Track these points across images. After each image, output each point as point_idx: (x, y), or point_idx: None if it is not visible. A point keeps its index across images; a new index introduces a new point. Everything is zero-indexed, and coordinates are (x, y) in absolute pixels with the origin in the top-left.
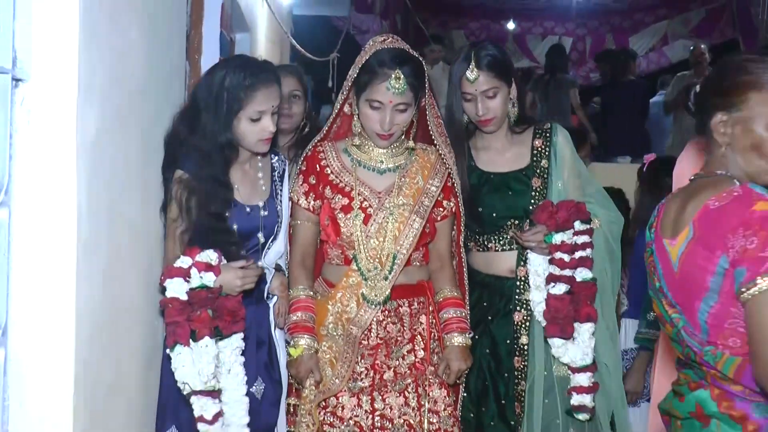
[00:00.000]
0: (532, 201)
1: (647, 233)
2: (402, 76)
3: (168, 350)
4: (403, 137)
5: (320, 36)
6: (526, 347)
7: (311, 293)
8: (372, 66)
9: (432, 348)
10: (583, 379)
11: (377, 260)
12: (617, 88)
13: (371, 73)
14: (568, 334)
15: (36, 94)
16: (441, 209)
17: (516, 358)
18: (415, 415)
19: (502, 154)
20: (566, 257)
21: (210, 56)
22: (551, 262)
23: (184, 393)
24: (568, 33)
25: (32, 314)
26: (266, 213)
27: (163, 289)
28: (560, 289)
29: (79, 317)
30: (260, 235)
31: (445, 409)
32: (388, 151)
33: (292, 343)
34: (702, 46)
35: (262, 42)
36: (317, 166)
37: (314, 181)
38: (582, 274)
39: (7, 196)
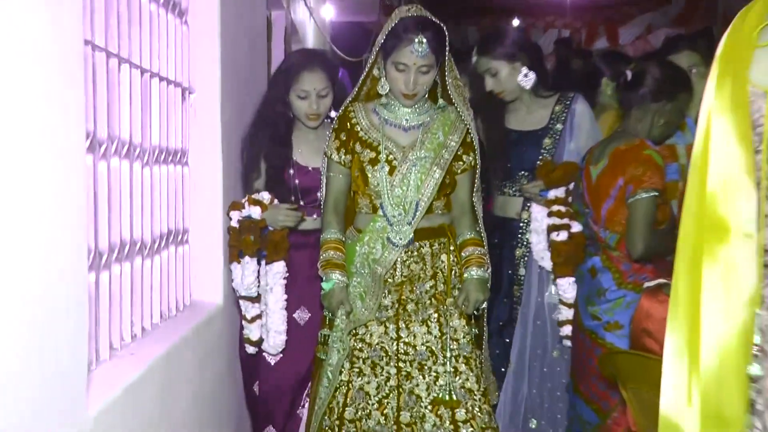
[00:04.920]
0: (540, 158)
1: (582, 163)
2: (424, 41)
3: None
4: (426, 97)
5: (354, 39)
6: (523, 278)
7: (341, 236)
8: (398, 32)
9: (453, 284)
10: (571, 314)
11: (401, 207)
12: None
13: (397, 38)
14: (573, 273)
15: (198, 100)
16: (461, 163)
17: (514, 287)
18: (437, 342)
19: (526, 116)
20: (563, 209)
21: (277, 64)
22: (550, 214)
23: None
24: (566, 26)
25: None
26: None
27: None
28: (563, 236)
29: None
30: (319, 194)
31: (464, 337)
32: (413, 110)
33: (324, 278)
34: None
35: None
36: (348, 124)
37: (345, 138)
38: (577, 226)
39: (185, 158)
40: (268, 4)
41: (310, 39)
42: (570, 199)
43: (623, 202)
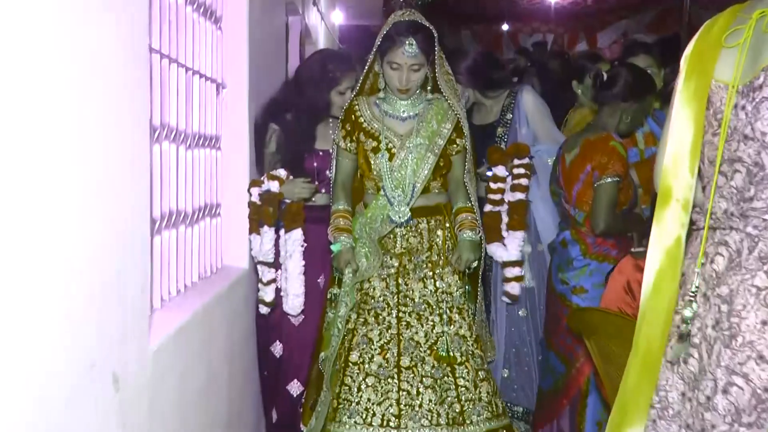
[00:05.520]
0: (495, 143)
1: (558, 151)
2: (414, 43)
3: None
4: (419, 91)
5: (360, 40)
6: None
7: (348, 207)
8: (391, 35)
9: (447, 256)
10: (514, 271)
11: (400, 189)
12: None
13: (390, 40)
14: (500, 238)
15: (229, 94)
16: (455, 146)
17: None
18: (432, 295)
19: (486, 113)
20: (493, 185)
21: (294, 64)
22: (487, 190)
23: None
24: (550, 31)
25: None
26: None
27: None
28: (488, 207)
29: None
30: (328, 172)
31: (457, 291)
32: (409, 103)
33: (333, 241)
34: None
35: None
36: (353, 116)
37: (350, 128)
38: (516, 196)
39: (218, 143)
40: (286, 11)
41: (322, 41)
42: (522, 181)
43: (590, 186)
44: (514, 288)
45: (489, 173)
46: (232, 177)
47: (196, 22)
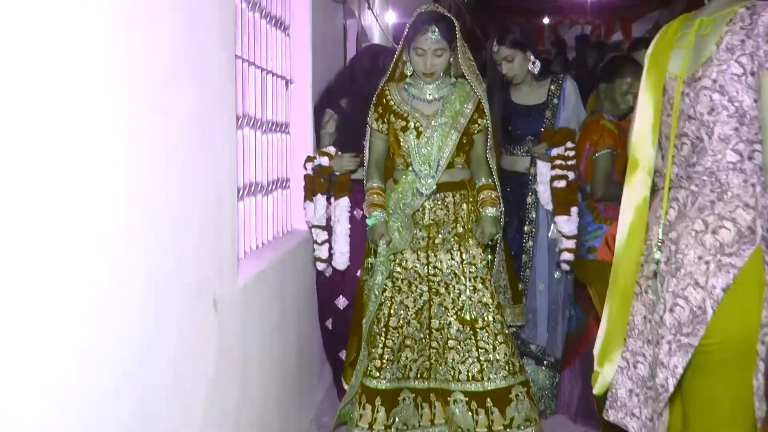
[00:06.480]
0: (543, 125)
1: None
2: (437, 30)
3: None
4: (443, 75)
5: None
6: (533, 219)
7: (382, 184)
8: (416, 24)
9: (471, 227)
10: (571, 243)
11: (427, 164)
12: None
13: (415, 29)
14: (569, 213)
15: (295, 88)
16: (476, 125)
17: (525, 226)
18: (459, 266)
19: (528, 94)
20: (563, 162)
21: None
22: (553, 167)
23: (310, 227)
24: (588, 22)
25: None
26: None
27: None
28: (562, 183)
29: None
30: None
31: (480, 262)
32: (434, 87)
33: (368, 216)
34: None
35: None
36: (384, 100)
37: (382, 111)
38: (571, 176)
39: (287, 129)
40: (344, 15)
41: (377, 39)
42: (568, 154)
43: (591, 161)
44: (570, 256)
45: (549, 153)
46: (299, 156)
47: (269, 31)
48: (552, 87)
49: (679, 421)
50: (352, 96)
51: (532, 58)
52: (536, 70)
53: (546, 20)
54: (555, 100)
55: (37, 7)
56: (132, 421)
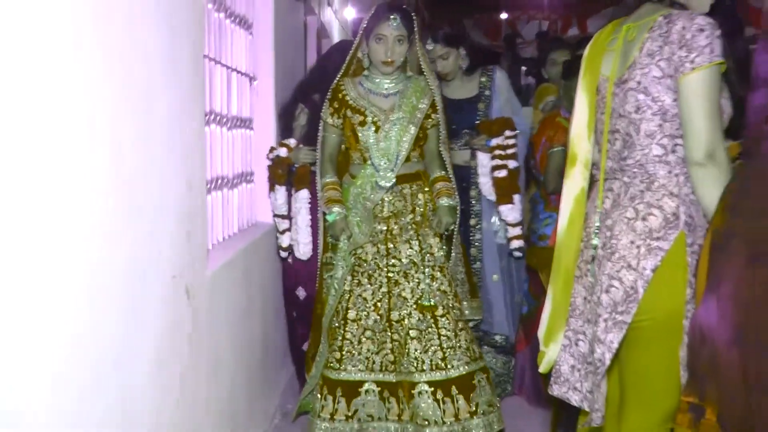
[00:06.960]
0: (477, 118)
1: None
2: (398, 17)
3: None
4: (399, 70)
5: None
6: (479, 212)
7: (336, 179)
8: (378, 13)
9: (428, 216)
10: (517, 230)
11: (386, 158)
12: None
13: (377, 17)
14: (512, 201)
15: (259, 86)
16: (430, 120)
17: (472, 219)
18: (417, 255)
19: (460, 88)
20: (502, 152)
21: (312, 57)
22: (493, 157)
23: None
24: (545, 18)
25: None
26: None
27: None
28: (503, 173)
29: None
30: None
31: (438, 251)
32: (391, 80)
33: (327, 212)
34: None
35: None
36: (339, 95)
37: (337, 106)
38: (512, 164)
39: (251, 124)
40: (305, 12)
41: (336, 35)
42: (507, 143)
43: (546, 155)
44: (520, 243)
45: (489, 144)
46: (262, 150)
47: (233, 30)
48: (482, 79)
49: (616, 392)
50: (323, 91)
51: (464, 53)
52: (464, 66)
53: (504, 15)
54: (487, 92)
55: (19, 17)
56: (115, 403)
